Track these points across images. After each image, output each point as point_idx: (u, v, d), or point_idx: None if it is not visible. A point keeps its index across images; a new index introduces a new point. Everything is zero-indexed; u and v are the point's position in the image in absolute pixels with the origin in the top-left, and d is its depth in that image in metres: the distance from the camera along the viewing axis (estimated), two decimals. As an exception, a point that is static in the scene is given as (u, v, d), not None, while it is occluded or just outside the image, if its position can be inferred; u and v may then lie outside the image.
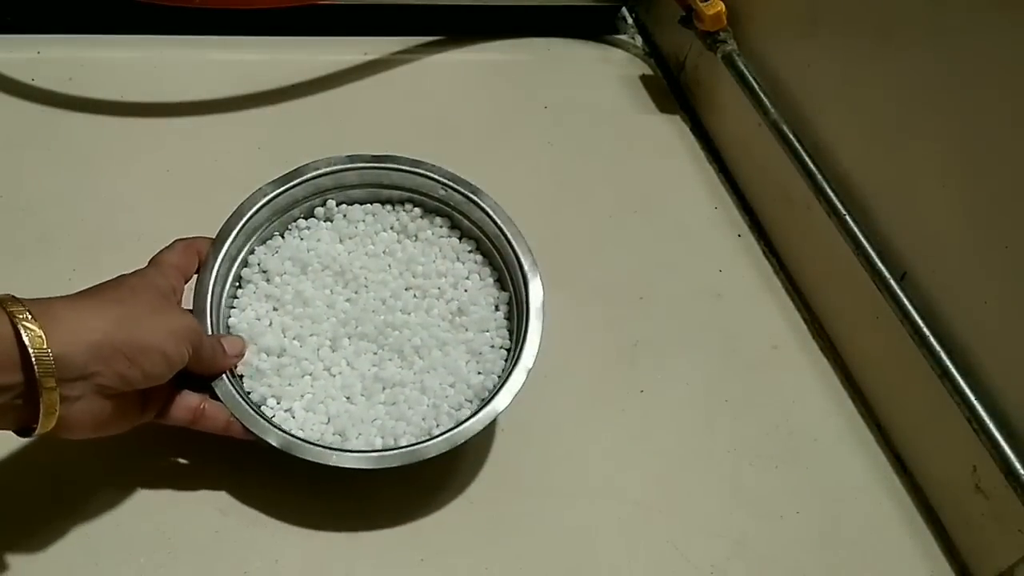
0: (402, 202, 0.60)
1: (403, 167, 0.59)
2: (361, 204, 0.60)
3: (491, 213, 0.58)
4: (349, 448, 0.51)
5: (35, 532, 0.48)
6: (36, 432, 0.42)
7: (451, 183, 0.59)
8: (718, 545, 0.55)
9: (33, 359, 0.40)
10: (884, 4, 0.61)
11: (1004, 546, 0.53)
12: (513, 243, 0.57)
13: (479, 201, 0.58)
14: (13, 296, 0.41)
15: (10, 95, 0.70)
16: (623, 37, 0.90)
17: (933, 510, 0.59)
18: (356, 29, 0.81)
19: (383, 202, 0.60)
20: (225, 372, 0.51)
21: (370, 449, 0.51)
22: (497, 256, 0.58)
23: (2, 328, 0.40)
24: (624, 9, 0.91)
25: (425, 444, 0.51)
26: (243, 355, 0.53)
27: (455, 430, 0.51)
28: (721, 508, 0.56)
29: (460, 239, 0.60)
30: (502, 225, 0.58)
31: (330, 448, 0.50)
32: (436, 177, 0.59)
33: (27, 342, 0.40)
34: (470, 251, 0.60)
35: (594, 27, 0.89)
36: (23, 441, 0.50)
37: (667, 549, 0.54)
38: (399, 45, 0.82)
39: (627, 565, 0.53)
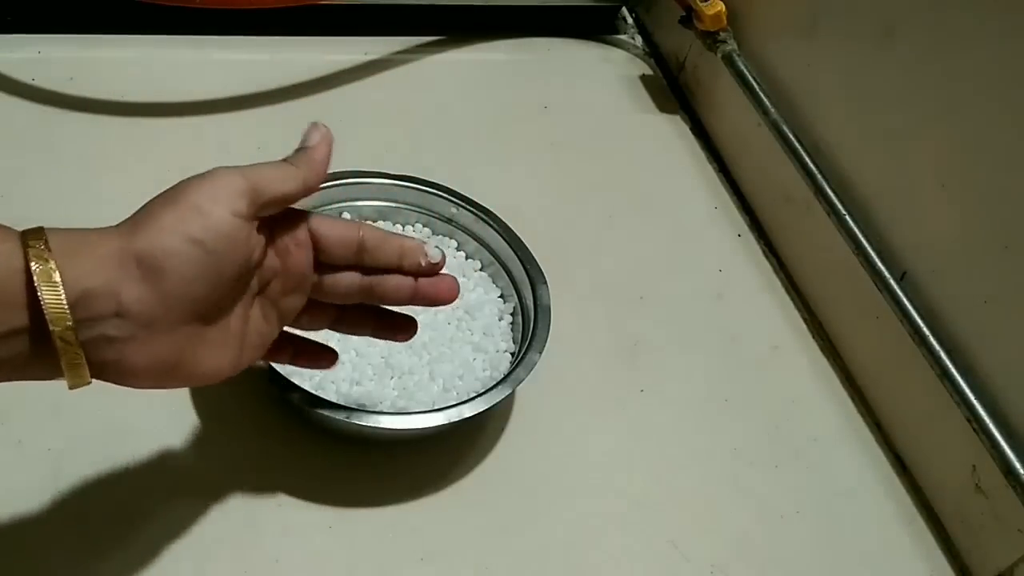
0: (411, 223, 0.62)
1: (415, 186, 0.60)
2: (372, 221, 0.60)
3: (502, 233, 0.60)
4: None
5: (34, 533, 0.48)
6: (73, 385, 0.35)
7: (462, 203, 0.61)
8: (718, 545, 0.55)
9: (41, 298, 0.32)
10: (884, 4, 0.61)
11: (1004, 546, 0.53)
12: (524, 263, 0.58)
13: (489, 221, 0.60)
14: (41, 228, 0.34)
15: (10, 95, 0.69)
16: (623, 37, 0.90)
17: (933, 510, 0.59)
18: (356, 29, 0.81)
19: (392, 220, 0.62)
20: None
21: (402, 412, 0.51)
22: (505, 275, 0.60)
23: (12, 261, 0.33)
24: (624, 9, 0.91)
25: (461, 405, 0.51)
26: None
27: (490, 392, 0.51)
28: (721, 508, 0.56)
29: (467, 258, 0.61)
30: (513, 245, 0.59)
31: (364, 410, 0.50)
32: (447, 197, 0.61)
33: (35, 276, 0.32)
34: (477, 269, 0.61)
35: (594, 27, 0.89)
36: (21, 439, 0.51)
37: (667, 548, 0.54)
38: (399, 45, 0.82)
39: (627, 564, 0.53)
